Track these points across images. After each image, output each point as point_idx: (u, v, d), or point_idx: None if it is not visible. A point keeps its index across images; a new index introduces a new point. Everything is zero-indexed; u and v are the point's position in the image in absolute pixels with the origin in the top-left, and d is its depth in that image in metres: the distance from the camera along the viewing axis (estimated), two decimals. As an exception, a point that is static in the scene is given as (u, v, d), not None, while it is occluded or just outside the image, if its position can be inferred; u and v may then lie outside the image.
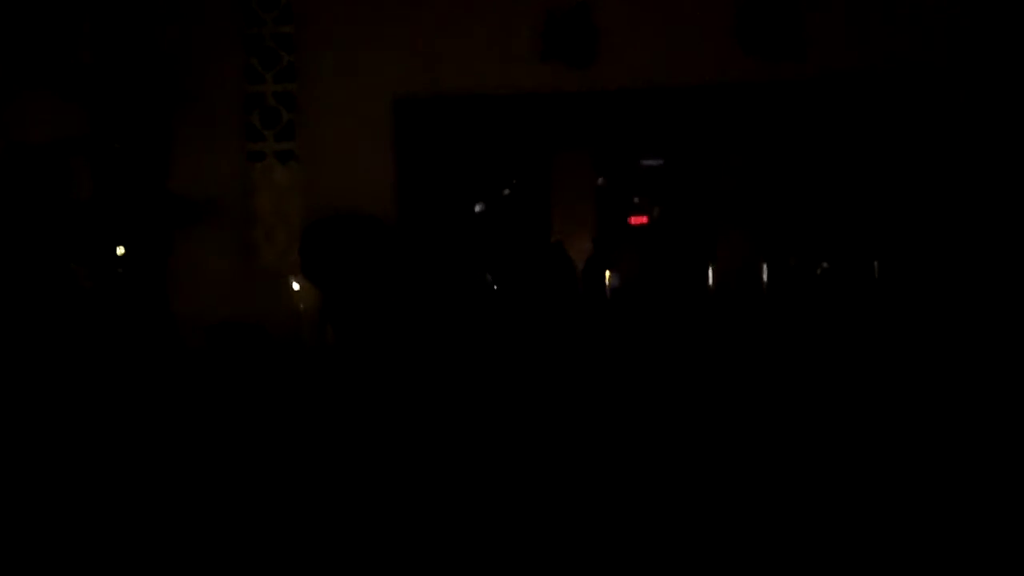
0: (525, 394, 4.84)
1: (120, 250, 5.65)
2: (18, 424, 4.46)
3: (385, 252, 5.42)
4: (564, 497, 3.92)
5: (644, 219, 6.30)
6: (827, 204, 6.21)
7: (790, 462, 4.16)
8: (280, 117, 6.08)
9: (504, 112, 6.03)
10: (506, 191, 6.34)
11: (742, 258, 6.06)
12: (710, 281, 6.00)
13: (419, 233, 5.83)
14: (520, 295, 5.89)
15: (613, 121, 6.14)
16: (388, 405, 4.69)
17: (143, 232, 5.78)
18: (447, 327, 5.23)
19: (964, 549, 3.51)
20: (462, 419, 4.60)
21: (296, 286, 5.69)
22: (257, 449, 4.40)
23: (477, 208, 6.25)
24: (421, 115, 6.02)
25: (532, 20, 5.92)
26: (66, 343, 5.13)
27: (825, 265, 6.06)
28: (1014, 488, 3.80)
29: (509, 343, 5.34)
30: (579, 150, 6.29)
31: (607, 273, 6.10)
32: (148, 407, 4.76)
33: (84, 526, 3.85)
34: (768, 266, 6.01)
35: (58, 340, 5.13)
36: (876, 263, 5.90)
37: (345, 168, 5.97)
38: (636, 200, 6.40)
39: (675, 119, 6.15)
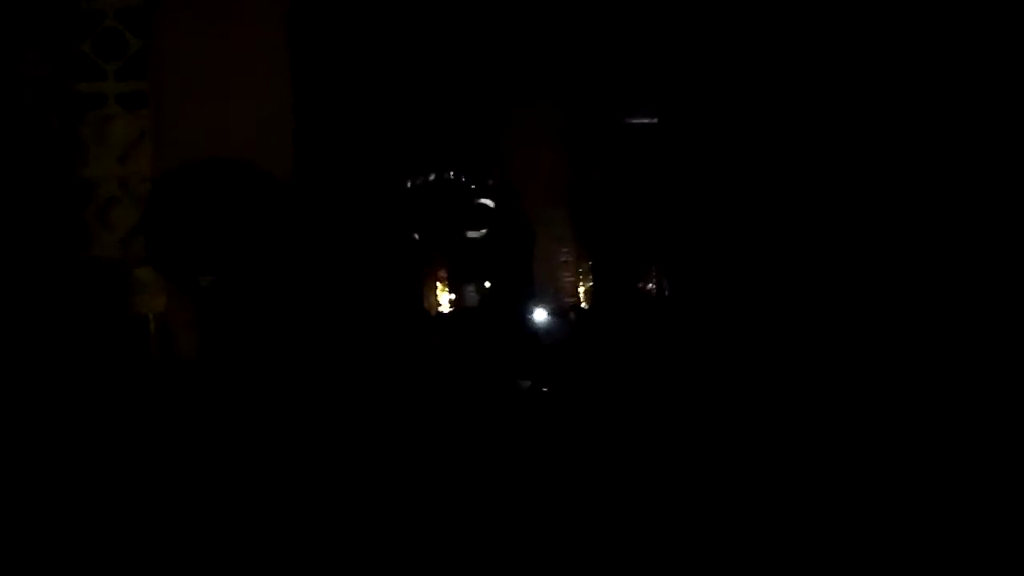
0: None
1: None
2: None
3: (275, 220, 3.45)
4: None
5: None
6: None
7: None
8: (125, 44, 4.11)
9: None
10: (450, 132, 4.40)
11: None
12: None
13: (327, 195, 3.86)
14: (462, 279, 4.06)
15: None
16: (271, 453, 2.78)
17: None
18: (366, 331, 3.33)
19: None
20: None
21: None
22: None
23: (408, 160, 4.27)
24: (333, 23, 4.07)
25: None
26: None
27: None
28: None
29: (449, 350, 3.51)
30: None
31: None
32: None
33: None
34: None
35: None
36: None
37: (218, 113, 3.99)
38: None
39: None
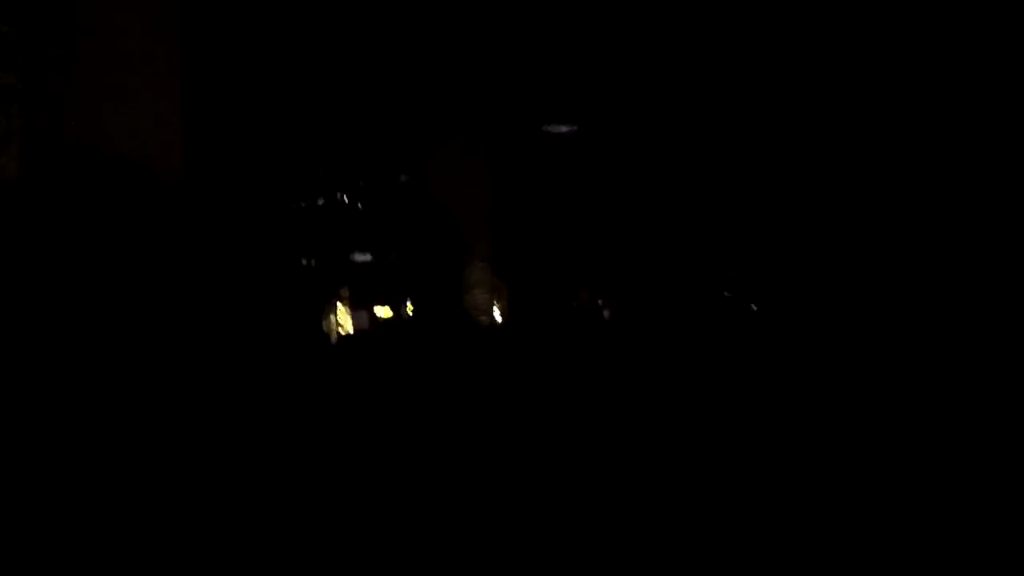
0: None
1: None
2: None
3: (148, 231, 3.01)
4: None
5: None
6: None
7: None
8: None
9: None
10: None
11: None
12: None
13: (220, 207, 3.44)
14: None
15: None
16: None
17: None
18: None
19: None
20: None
21: None
22: None
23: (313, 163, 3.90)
24: (232, 34, 3.67)
25: None
26: None
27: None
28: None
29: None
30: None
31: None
32: None
33: None
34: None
35: None
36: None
37: (96, 115, 3.56)
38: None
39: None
